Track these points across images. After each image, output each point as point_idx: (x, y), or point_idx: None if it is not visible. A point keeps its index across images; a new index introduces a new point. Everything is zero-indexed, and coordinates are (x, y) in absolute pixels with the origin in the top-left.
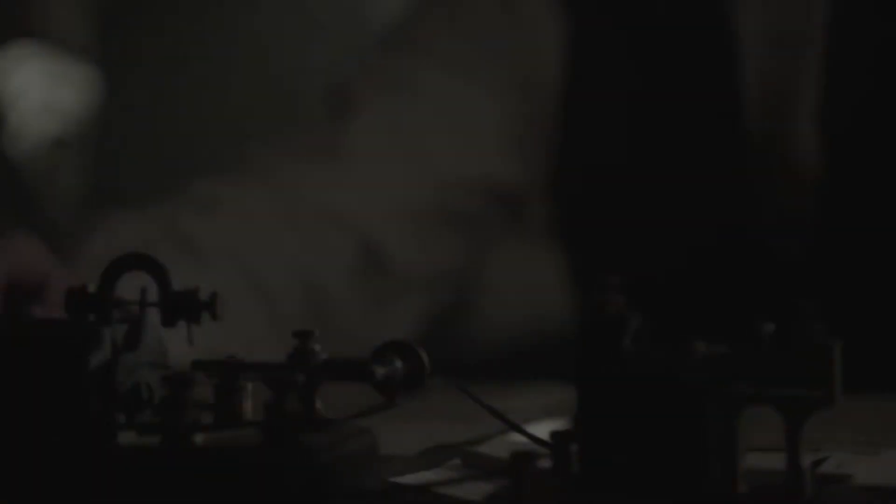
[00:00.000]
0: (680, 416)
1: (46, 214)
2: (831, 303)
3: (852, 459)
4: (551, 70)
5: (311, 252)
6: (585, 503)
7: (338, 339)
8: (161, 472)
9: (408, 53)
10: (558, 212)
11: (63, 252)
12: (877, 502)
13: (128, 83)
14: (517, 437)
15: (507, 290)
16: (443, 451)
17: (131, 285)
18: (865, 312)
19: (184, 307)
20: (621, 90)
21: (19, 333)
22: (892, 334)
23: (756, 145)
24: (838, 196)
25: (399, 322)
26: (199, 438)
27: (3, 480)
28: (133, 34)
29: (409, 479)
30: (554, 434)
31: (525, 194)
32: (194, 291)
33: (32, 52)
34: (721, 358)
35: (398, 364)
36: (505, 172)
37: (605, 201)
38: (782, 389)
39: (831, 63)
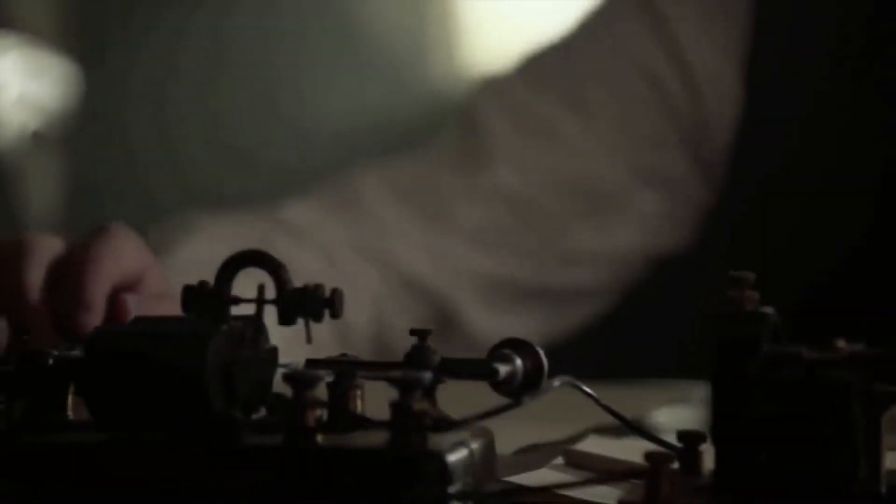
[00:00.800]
0: (827, 416)
1: (29, 209)
2: None
3: None
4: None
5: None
6: None
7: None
8: (285, 473)
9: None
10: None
11: None
12: None
13: (99, 77)
14: (625, 436)
15: None
16: (542, 450)
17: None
18: None
19: (303, 305)
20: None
21: (143, 332)
22: None
23: None
24: None
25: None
26: (322, 439)
27: (129, 478)
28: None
29: (524, 479)
30: (683, 434)
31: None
32: (315, 288)
33: (10, 45)
34: (866, 356)
35: (519, 362)
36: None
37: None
38: None
39: None
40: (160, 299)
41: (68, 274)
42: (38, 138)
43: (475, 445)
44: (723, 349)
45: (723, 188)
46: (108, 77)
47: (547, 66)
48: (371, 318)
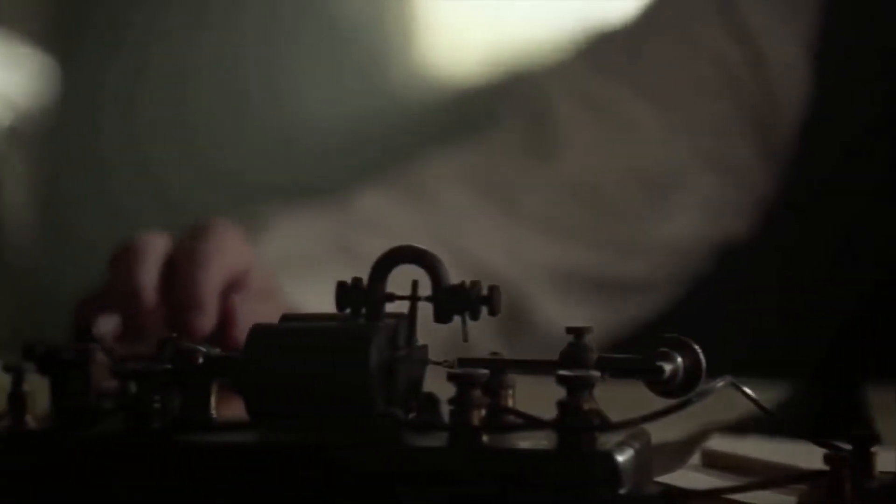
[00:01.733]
0: None
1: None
2: None
3: None
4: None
5: None
6: None
7: None
8: (450, 474)
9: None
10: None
11: None
12: None
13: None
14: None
15: None
16: (664, 449)
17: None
18: None
19: (460, 302)
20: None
21: (303, 330)
22: None
23: None
24: None
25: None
26: (487, 438)
27: (290, 477)
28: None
29: (673, 480)
30: (855, 436)
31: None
32: (472, 285)
33: None
34: None
35: (680, 361)
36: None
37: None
38: None
39: None
40: (264, 296)
41: (180, 274)
42: (10, 133)
43: (637, 446)
44: None
45: (788, 178)
46: (82, 75)
47: (613, 53)
48: None
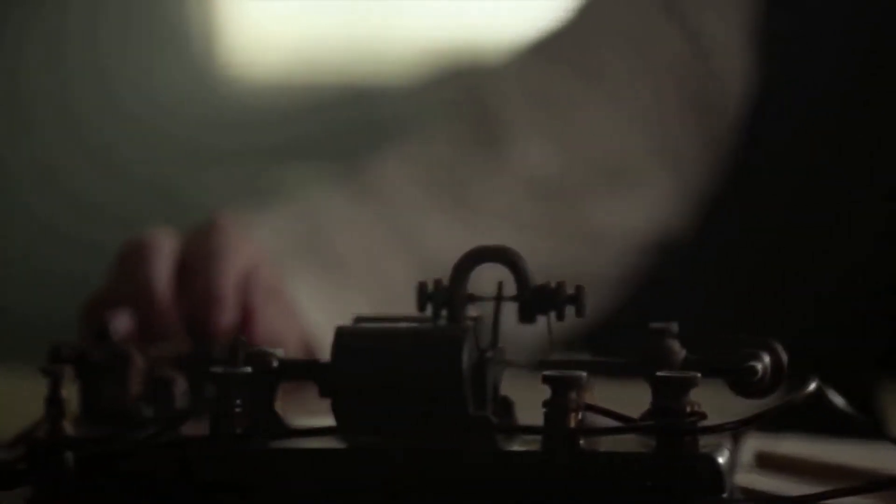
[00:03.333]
0: None
1: None
2: None
3: None
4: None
5: None
6: None
7: None
8: (548, 478)
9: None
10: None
11: None
12: None
13: None
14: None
15: None
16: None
17: None
18: None
19: (545, 302)
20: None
21: (392, 333)
22: None
23: None
24: None
25: None
26: (583, 442)
27: (386, 486)
28: None
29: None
30: None
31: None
32: (558, 285)
33: None
34: None
35: (767, 361)
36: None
37: None
38: None
39: None
40: (274, 294)
41: (195, 271)
42: None
43: (730, 447)
44: None
45: (731, 172)
46: None
47: (558, 43)
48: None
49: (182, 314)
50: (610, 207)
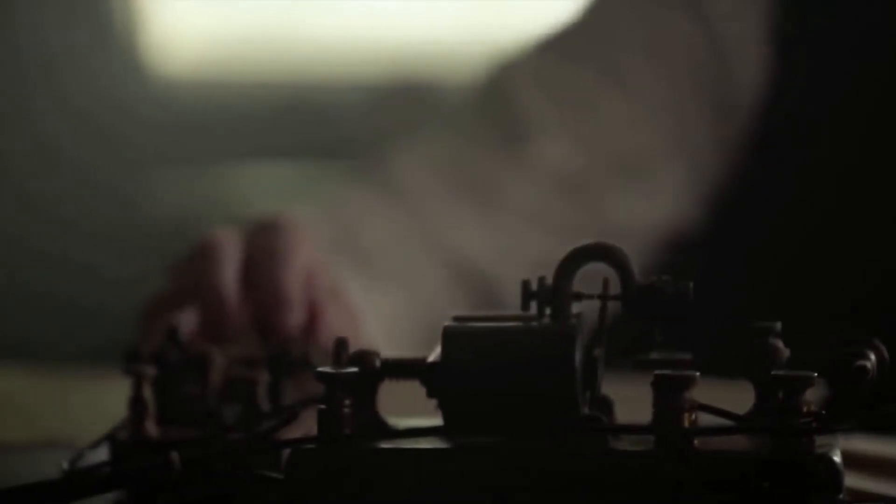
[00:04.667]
0: None
1: None
2: None
3: None
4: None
5: None
6: None
7: None
8: (663, 480)
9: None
10: None
11: None
12: None
13: None
14: None
15: None
16: None
17: None
18: None
19: (651, 301)
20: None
21: (501, 331)
22: None
23: None
24: None
25: None
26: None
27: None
28: None
29: None
30: None
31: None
32: (664, 283)
33: None
34: None
35: (874, 358)
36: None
37: None
38: None
39: None
40: (335, 293)
41: (261, 271)
42: None
43: (840, 447)
44: None
45: (748, 168)
46: None
47: (577, 38)
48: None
49: (248, 314)
50: (629, 204)
